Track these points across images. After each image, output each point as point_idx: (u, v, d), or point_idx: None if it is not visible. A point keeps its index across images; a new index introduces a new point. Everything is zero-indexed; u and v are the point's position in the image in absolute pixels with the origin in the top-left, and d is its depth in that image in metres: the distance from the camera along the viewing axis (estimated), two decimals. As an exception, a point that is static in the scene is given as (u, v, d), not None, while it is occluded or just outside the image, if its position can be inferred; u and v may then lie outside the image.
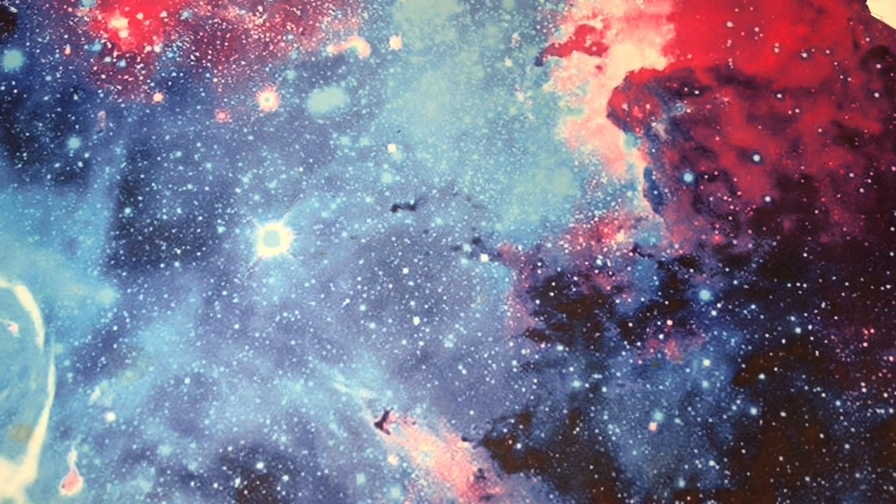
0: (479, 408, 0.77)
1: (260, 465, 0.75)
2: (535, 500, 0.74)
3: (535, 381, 0.77)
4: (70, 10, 0.91)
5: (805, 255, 0.81)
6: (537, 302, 0.80)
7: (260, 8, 0.91)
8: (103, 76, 0.88)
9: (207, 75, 0.88)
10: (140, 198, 0.84)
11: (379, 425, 0.76)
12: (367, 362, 0.78)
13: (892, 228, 0.81)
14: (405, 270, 0.81)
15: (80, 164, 0.85)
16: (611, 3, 0.88)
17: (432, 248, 0.82)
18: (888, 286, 0.79)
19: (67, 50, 0.89)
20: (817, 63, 0.88)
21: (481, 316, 0.80)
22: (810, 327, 0.79)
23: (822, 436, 0.76)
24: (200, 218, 0.83)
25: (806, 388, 0.77)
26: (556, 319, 0.79)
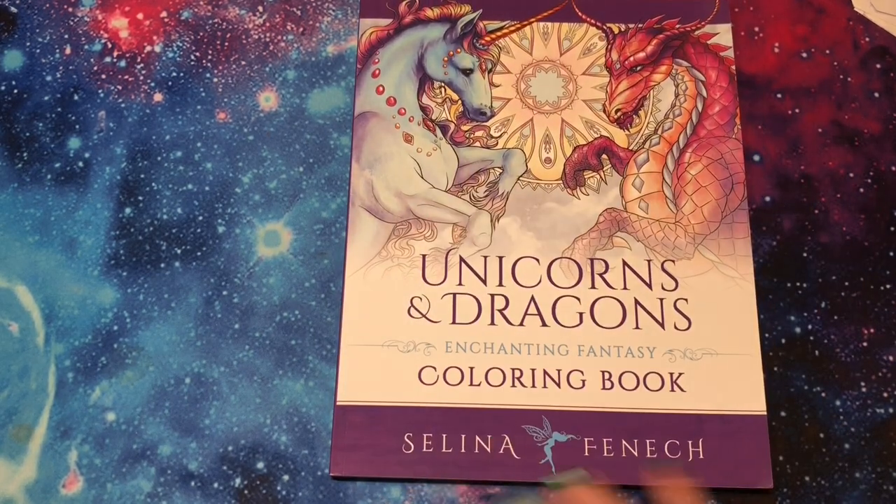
0: (479, 408, 0.78)
1: (260, 465, 0.75)
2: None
3: (535, 380, 0.78)
4: (70, 10, 0.91)
5: (805, 255, 0.81)
6: (537, 302, 0.80)
7: (260, 8, 0.91)
8: (103, 76, 0.88)
9: (207, 75, 0.88)
10: (140, 198, 0.83)
11: (379, 425, 0.76)
12: (367, 362, 0.78)
13: (892, 228, 0.81)
14: (405, 270, 0.81)
15: (81, 164, 0.84)
16: (611, 3, 0.88)
17: (432, 248, 0.82)
18: (888, 286, 0.79)
19: (67, 50, 0.89)
20: (817, 63, 0.88)
21: (481, 316, 0.80)
22: (810, 327, 0.79)
23: (822, 435, 0.76)
24: (200, 218, 0.83)
25: (806, 387, 0.78)
26: (556, 319, 0.80)
